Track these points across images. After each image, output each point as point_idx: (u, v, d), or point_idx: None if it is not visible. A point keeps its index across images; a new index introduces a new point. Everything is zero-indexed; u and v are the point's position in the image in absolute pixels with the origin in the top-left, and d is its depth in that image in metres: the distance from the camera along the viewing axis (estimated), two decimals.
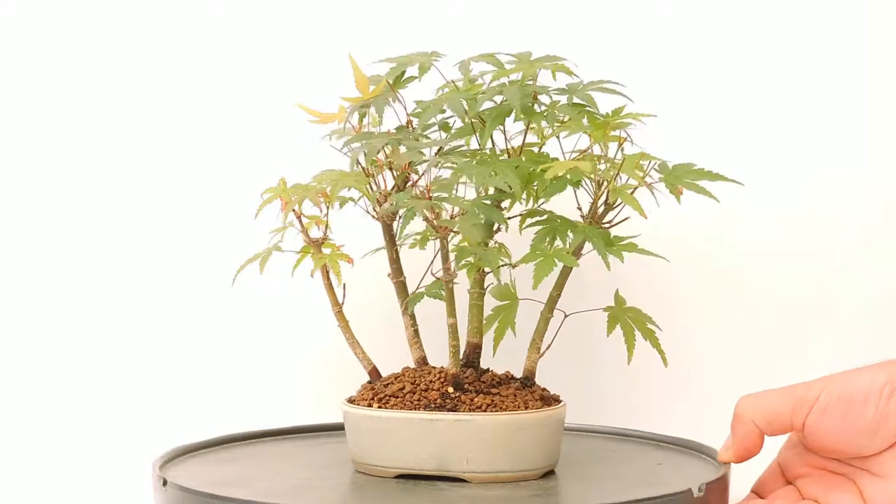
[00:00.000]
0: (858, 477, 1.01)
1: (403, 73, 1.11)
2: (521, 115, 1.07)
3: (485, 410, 1.03)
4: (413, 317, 1.11)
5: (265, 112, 1.33)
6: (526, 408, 1.04)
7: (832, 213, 1.34)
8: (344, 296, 1.11)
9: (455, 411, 1.03)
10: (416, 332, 1.12)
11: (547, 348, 1.09)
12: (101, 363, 1.34)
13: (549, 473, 1.06)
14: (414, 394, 1.05)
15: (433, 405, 1.04)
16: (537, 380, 1.10)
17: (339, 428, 1.18)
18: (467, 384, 1.06)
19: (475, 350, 1.09)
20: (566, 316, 1.11)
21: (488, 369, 1.10)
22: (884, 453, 0.99)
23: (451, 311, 1.06)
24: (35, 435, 1.33)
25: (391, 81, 1.10)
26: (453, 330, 1.06)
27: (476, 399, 1.04)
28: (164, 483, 0.99)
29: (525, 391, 1.07)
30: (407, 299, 1.11)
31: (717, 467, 1.05)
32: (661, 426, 1.20)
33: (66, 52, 1.34)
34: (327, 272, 1.09)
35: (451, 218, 1.04)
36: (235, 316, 1.34)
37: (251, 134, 1.34)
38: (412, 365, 1.11)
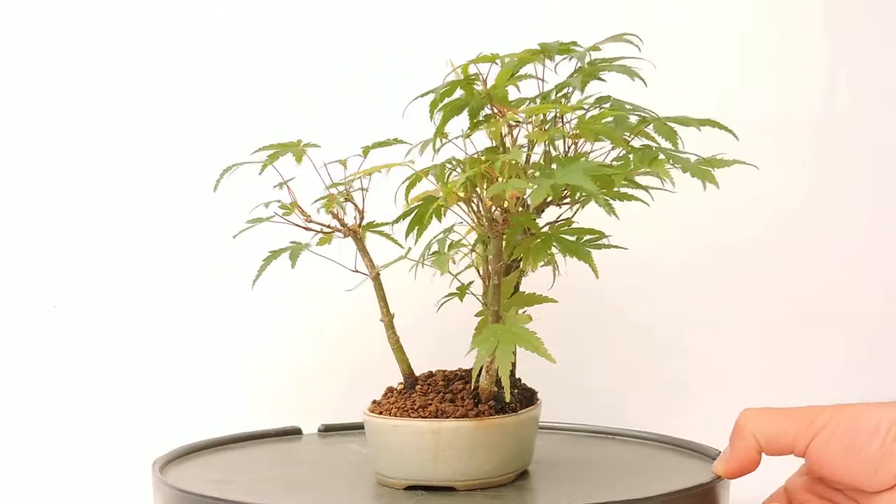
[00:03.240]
0: None
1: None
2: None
3: (386, 414, 1.00)
4: None
5: (272, 112, 1.34)
6: (407, 416, 0.98)
7: (841, 217, 1.34)
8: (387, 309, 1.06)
9: (373, 412, 1.01)
10: None
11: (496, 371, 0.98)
12: (102, 363, 1.34)
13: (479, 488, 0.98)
14: (390, 392, 1.04)
15: (375, 403, 1.03)
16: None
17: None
18: (426, 385, 1.02)
19: None
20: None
21: (518, 379, 1.05)
22: (884, 494, 0.96)
23: (383, 308, 1.03)
24: (35, 435, 1.34)
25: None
26: (387, 326, 1.03)
27: (398, 401, 1.01)
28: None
29: (466, 402, 0.99)
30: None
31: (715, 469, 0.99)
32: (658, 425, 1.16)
33: (76, 55, 1.35)
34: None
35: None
36: (238, 316, 1.34)
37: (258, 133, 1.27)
38: None
